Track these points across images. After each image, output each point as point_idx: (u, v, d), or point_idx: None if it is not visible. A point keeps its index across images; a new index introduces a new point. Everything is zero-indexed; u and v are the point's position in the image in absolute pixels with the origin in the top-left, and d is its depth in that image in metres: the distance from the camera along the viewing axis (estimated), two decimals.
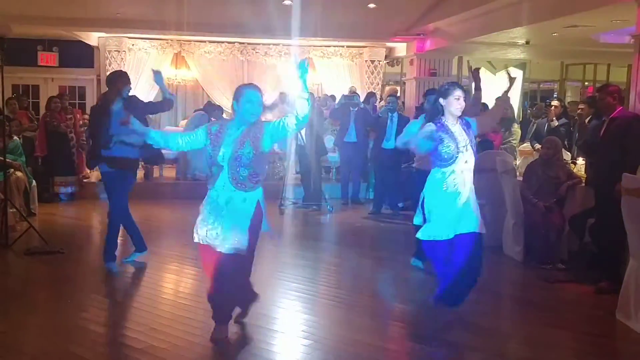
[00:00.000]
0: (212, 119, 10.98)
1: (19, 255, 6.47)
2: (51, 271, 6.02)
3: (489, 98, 6.91)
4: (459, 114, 4.60)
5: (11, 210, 7.14)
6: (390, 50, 13.85)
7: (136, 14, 11.18)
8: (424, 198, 4.67)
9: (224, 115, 11.82)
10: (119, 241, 6.16)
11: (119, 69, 12.04)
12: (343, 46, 13.43)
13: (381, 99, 12.56)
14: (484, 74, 12.32)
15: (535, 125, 9.95)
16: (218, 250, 4.00)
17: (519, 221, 6.55)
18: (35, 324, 4.57)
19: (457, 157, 4.53)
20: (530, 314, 5.02)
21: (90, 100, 12.79)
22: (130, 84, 5.91)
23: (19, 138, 8.78)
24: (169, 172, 11.27)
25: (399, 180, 9.20)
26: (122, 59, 12.90)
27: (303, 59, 4.68)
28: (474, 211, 4.62)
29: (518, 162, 8.53)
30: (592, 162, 6.37)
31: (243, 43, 13.24)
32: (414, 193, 6.19)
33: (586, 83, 14.54)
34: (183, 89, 13.71)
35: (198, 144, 4.16)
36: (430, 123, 4.60)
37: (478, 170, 4.87)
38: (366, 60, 13.67)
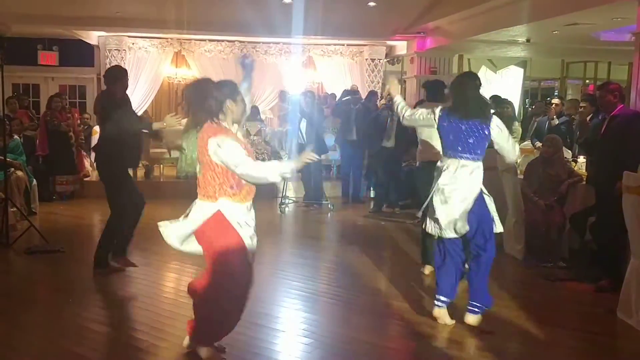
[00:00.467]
0: None
1: (19, 254, 6.47)
2: (52, 270, 6.03)
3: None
4: None
5: (12, 209, 7.14)
6: (390, 49, 13.85)
7: (136, 13, 11.18)
8: None
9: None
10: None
11: None
12: (343, 45, 13.43)
13: (382, 97, 12.55)
14: (484, 72, 12.31)
15: (535, 123, 9.93)
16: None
17: (520, 219, 6.55)
18: (36, 323, 4.57)
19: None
20: (530, 312, 5.01)
21: (91, 99, 12.78)
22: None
23: (20, 137, 8.77)
24: (170, 171, 11.26)
25: (399, 178, 9.20)
26: (122, 57, 12.90)
27: (245, 56, 4.48)
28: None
29: (518, 160, 8.52)
30: (592, 160, 6.37)
31: (243, 42, 13.24)
32: (420, 189, 6.20)
33: (587, 81, 14.53)
34: (183, 88, 13.69)
35: None
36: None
37: (490, 168, 4.87)
38: (366, 59, 13.67)
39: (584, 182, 6.55)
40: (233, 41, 13.22)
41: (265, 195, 9.79)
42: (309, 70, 13.73)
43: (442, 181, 4.52)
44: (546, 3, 8.08)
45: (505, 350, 4.38)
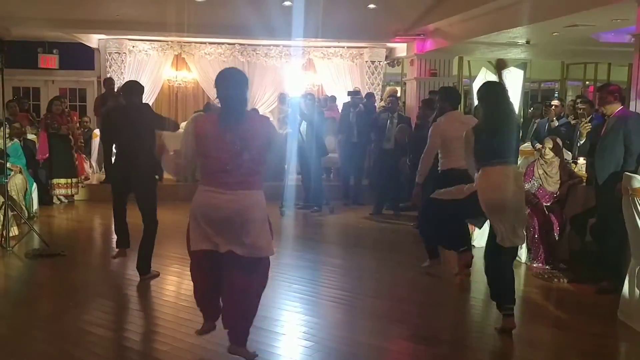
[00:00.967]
0: None
1: (19, 258, 6.47)
2: (52, 274, 6.03)
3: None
4: None
5: (12, 213, 7.14)
6: (390, 51, 13.84)
7: (136, 16, 11.18)
8: None
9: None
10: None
11: (119, 71, 12.08)
12: (343, 47, 13.42)
13: (381, 99, 12.55)
14: (484, 74, 12.34)
15: (535, 125, 9.93)
16: None
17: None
18: (37, 327, 4.57)
19: None
20: (531, 313, 5.01)
21: (91, 102, 12.77)
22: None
23: (20, 141, 8.78)
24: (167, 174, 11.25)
25: (399, 180, 9.19)
26: (122, 60, 12.90)
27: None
28: None
29: (520, 161, 8.51)
30: (593, 161, 6.36)
31: (243, 44, 13.23)
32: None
33: (587, 82, 14.53)
34: (183, 91, 13.72)
35: None
36: None
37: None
38: (366, 61, 13.66)
39: (584, 184, 6.54)
40: (233, 44, 13.21)
41: (265, 198, 9.78)
42: (309, 72, 13.74)
43: None
44: (546, 5, 8.08)
45: (505, 352, 4.38)
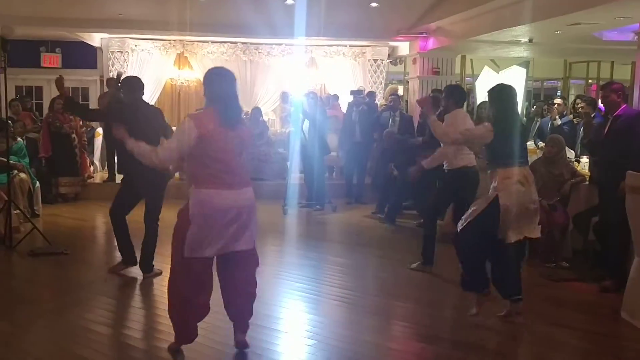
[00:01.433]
0: None
1: (23, 256, 6.49)
2: (55, 272, 6.04)
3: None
4: None
5: (15, 211, 7.15)
6: (393, 49, 13.82)
7: (139, 15, 11.19)
8: None
9: None
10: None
11: (122, 70, 12.08)
12: (346, 45, 13.41)
13: (383, 97, 12.55)
14: (487, 72, 12.31)
15: (538, 123, 9.93)
16: None
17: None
18: (40, 325, 4.58)
19: None
20: (533, 312, 5.00)
21: (94, 101, 12.80)
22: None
23: (23, 139, 8.79)
24: None
25: (402, 179, 9.18)
26: (125, 59, 12.91)
27: None
28: None
29: None
30: (596, 160, 6.36)
31: (246, 43, 13.23)
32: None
33: (590, 81, 14.49)
34: (186, 90, 13.72)
35: None
36: None
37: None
38: (369, 60, 13.64)
39: (587, 182, 6.54)
40: (236, 43, 13.21)
41: (268, 197, 9.80)
42: (312, 71, 13.73)
43: None
44: (549, 3, 8.06)
45: (508, 350, 4.38)
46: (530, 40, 10.27)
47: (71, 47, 13.11)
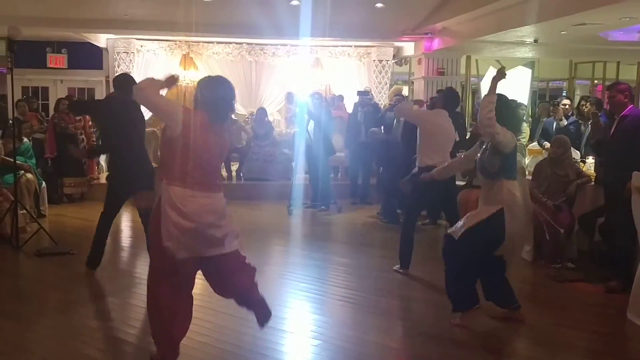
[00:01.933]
0: None
1: (29, 256, 6.51)
2: (61, 272, 6.05)
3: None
4: None
5: (21, 211, 7.18)
6: (398, 50, 13.82)
7: (145, 16, 11.22)
8: None
9: (233, 116, 11.86)
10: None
11: (127, 70, 12.11)
12: (351, 46, 13.41)
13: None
14: (491, 73, 12.28)
15: (542, 123, 9.91)
16: None
17: (528, 220, 6.51)
18: (46, 325, 4.60)
19: None
20: (539, 313, 5.00)
21: None
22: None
23: (29, 140, 8.83)
24: None
25: (387, 177, 9.19)
26: (130, 60, 12.94)
27: None
28: None
29: (527, 161, 8.50)
30: (602, 160, 6.34)
31: (251, 43, 13.24)
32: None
33: (595, 81, 14.45)
34: (191, 90, 13.73)
35: None
36: None
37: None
38: (374, 60, 13.64)
39: (593, 183, 6.52)
40: (241, 43, 13.23)
41: (273, 197, 9.81)
42: (317, 71, 13.73)
43: None
44: (554, 3, 8.05)
45: (514, 351, 4.37)
46: (535, 41, 10.26)
47: (77, 48, 13.15)
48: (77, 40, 12.61)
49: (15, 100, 9.38)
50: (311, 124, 9.37)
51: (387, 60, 13.69)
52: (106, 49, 13.14)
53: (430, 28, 11.57)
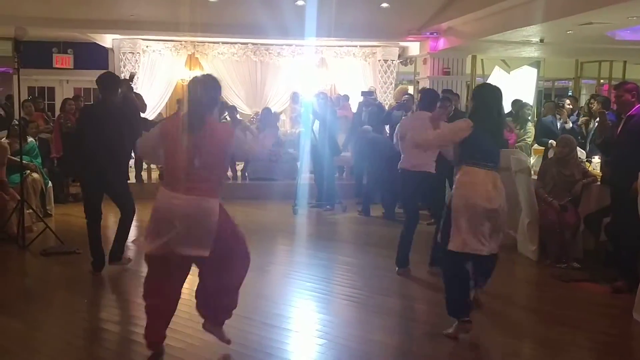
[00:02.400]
0: (227, 118, 11.05)
1: (35, 255, 6.53)
2: (67, 271, 6.07)
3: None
4: None
5: (28, 211, 7.21)
6: (403, 50, 13.82)
7: (150, 16, 11.25)
8: None
9: (238, 116, 11.88)
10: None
11: (134, 70, 12.14)
12: (356, 46, 13.42)
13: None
14: (497, 73, 12.24)
15: (540, 122, 9.89)
16: None
17: (534, 220, 6.51)
18: (52, 324, 4.62)
19: None
20: (545, 313, 4.99)
21: None
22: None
23: (35, 140, 8.86)
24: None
25: (375, 176, 9.21)
26: (136, 60, 12.98)
27: None
28: None
29: (532, 160, 8.49)
30: (608, 160, 6.32)
31: (256, 44, 13.27)
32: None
33: (602, 81, 14.40)
34: None
35: None
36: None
37: None
38: (379, 60, 13.64)
39: (599, 183, 6.50)
40: (246, 43, 13.25)
41: (278, 197, 9.81)
42: (322, 71, 13.74)
43: None
44: (560, 2, 8.03)
45: (519, 351, 4.36)
46: (541, 40, 10.24)
47: (83, 48, 13.20)
48: (83, 40, 12.66)
49: (21, 100, 9.42)
50: (316, 123, 9.38)
51: (393, 60, 13.69)
52: (112, 49, 13.18)
53: (435, 28, 11.56)
